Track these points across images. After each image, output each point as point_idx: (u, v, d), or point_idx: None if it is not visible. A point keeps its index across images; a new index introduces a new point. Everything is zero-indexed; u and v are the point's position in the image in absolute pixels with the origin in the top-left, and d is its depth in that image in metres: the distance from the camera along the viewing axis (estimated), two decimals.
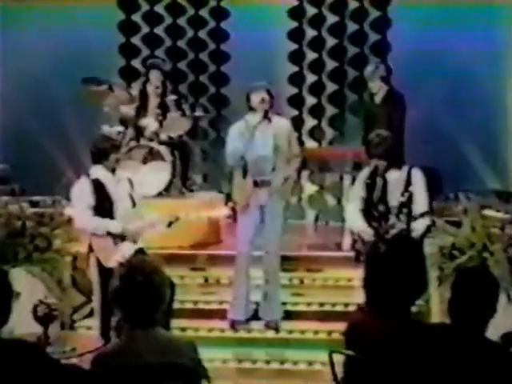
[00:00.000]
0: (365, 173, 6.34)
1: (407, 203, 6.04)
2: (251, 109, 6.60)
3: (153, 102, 8.70)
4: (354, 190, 6.42)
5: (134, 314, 3.51)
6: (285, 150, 6.62)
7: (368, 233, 6.10)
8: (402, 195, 6.04)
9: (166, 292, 3.56)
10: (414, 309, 3.93)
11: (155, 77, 8.70)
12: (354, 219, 6.27)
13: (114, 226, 5.90)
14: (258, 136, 6.51)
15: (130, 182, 6.16)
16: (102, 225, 5.89)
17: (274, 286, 6.73)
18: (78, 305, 7.03)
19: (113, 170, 6.04)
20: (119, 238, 5.92)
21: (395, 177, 6.17)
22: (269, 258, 6.67)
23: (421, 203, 6.10)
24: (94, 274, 5.95)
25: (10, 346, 3.24)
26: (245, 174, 6.58)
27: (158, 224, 6.03)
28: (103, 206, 5.95)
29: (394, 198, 6.10)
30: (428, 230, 6.27)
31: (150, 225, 6.02)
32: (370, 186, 6.24)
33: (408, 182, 6.13)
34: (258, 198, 6.60)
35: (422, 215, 6.03)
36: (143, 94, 8.71)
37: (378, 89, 8.31)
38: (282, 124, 6.70)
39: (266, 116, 6.53)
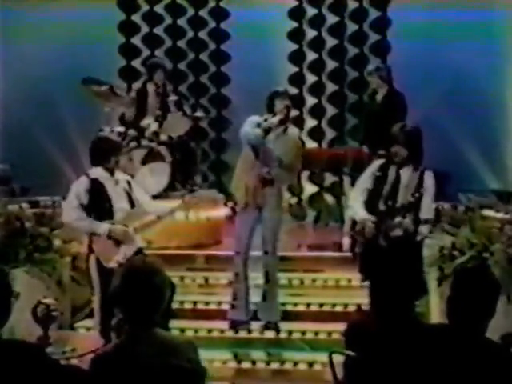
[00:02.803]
0: (375, 165, 6.17)
1: (415, 204, 5.94)
2: (270, 111, 6.60)
3: (153, 102, 8.69)
4: (361, 180, 6.21)
5: (134, 315, 3.51)
6: (289, 159, 6.67)
7: (370, 221, 5.93)
8: (413, 195, 5.92)
9: (166, 293, 3.56)
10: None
11: (158, 76, 8.69)
12: (357, 208, 6.07)
13: (101, 227, 5.89)
14: (270, 138, 6.54)
15: (129, 183, 6.16)
16: (88, 225, 5.90)
17: (272, 286, 6.72)
18: (78, 305, 7.02)
19: (112, 171, 6.04)
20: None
21: (409, 175, 5.99)
22: (267, 259, 6.67)
23: (427, 207, 5.99)
24: (93, 275, 5.95)
25: (10, 347, 3.24)
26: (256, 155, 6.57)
27: (177, 210, 6.30)
28: (101, 206, 5.95)
29: (404, 197, 5.96)
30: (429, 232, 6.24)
31: (171, 211, 6.21)
32: (379, 179, 6.05)
33: (420, 184, 6.00)
34: (258, 197, 6.60)
35: (426, 222, 5.95)
36: (142, 94, 8.69)
37: (377, 85, 8.33)
38: (293, 136, 6.74)
39: (284, 123, 6.59)
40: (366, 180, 6.16)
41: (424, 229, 5.97)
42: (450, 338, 3.46)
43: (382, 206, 6.00)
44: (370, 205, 6.04)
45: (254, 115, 6.66)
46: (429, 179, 6.02)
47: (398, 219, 5.92)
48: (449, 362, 3.40)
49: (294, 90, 10.37)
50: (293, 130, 6.76)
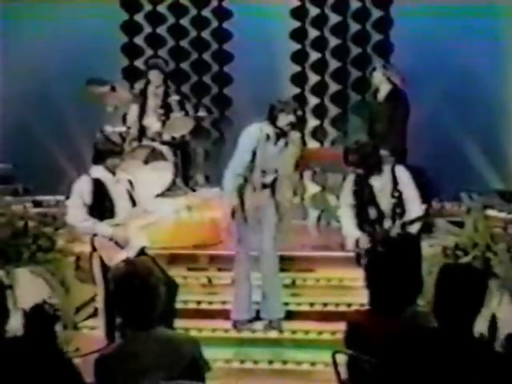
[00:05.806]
0: (350, 179, 6.31)
1: (399, 202, 6.03)
2: (272, 121, 6.52)
3: (154, 102, 8.69)
4: (343, 197, 6.39)
5: (132, 317, 3.52)
6: (287, 171, 6.78)
7: (364, 240, 6.09)
8: (393, 196, 6.02)
9: (162, 292, 3.56)
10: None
11: (155, 76, 8.69)
12: (349, 228, 6.25)
13: (104, 229, 5.89)
14: (271, 150, 6.55)
15: (130, 182, 6.17)
16: (91, 227, 5.90)
17: (272, 285, 6.73)
18: (81, 305, 7.02)
19: (113, 171, 6.05)
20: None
21: (379, 180, 6.13)
22: (265, 258, 6.68)
23: (411, 199, 6.09)
24: (97, 274, 5.95)
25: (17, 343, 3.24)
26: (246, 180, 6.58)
27: (181, 210, 6.44)
28: (103, 205, 5.96)
29: (385, 201, 6.09)
30: (424, 226, 6.28)
31: (176, 211, 6.29)
32: (357, 193, 6.20)
33: (395, 182, 6.11)
34: (256, 199, 6.62)
35: (418, 220, 6.02)
36: (143, 95, 8.70)
37: (380, 82, 8.34)
38: (294, 149, 6.79)
39: (285, 136, 6.58)
40: (347, 197, 6.30)
41: (415, 227, 6.06)
42: (438, 337, 3.42)
43: (368, 216, 6.10)
44: (359, 219, 6.18)
45: (254, 116, 6.67)
46: (401, 173, 6.13)
47: (386, 224, 6.02)
48: (449, 362, 3.38)
49: (296, 90, 10.43)
50: (293, 138, 6.74)
